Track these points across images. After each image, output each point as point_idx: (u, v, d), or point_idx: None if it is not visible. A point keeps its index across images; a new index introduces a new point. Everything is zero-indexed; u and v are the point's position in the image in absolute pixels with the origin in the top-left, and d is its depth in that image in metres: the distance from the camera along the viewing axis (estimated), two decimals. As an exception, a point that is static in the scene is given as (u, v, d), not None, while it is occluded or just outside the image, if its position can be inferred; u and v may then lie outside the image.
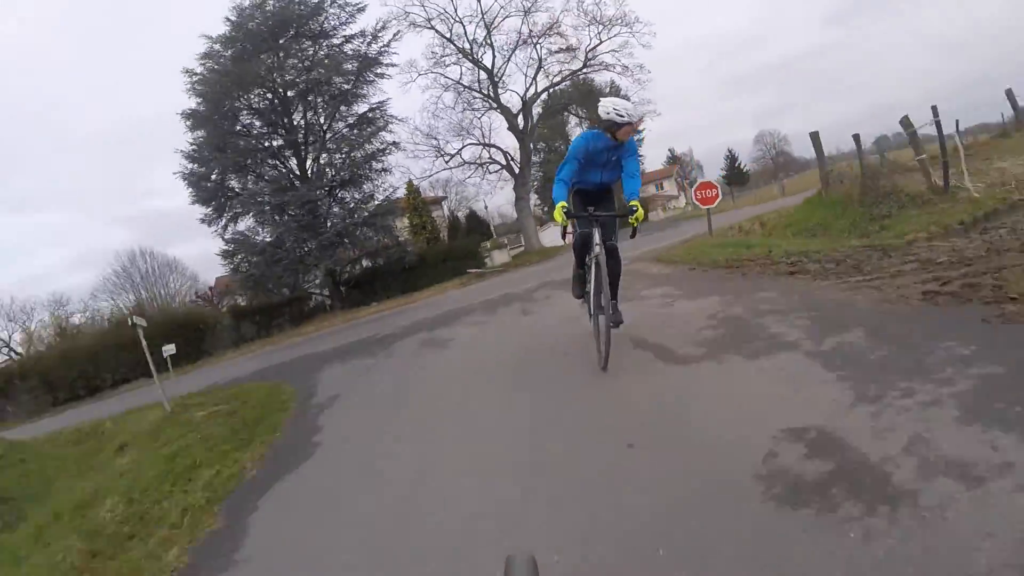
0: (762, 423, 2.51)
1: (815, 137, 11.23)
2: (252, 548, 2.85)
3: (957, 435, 2.02)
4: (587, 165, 4.49)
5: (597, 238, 4.23)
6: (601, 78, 32.10)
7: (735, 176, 78.73)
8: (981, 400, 2.19)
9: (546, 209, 40.34)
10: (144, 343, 8.96)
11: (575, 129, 41.88)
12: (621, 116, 4.17)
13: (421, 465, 3.27)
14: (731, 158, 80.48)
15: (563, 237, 5.00)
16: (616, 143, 4.32)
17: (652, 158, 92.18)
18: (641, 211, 4.23)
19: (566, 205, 4.21)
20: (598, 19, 28.28)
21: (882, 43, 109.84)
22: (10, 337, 37.31)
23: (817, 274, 4.81)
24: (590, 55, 29.14)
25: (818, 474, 2.05)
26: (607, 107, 4.25)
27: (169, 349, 9.00)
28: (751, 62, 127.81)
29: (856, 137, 9.98)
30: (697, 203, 11.99)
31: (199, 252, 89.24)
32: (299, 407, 5.62)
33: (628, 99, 4.08)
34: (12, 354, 35.55)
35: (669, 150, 77.69)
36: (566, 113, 37.56)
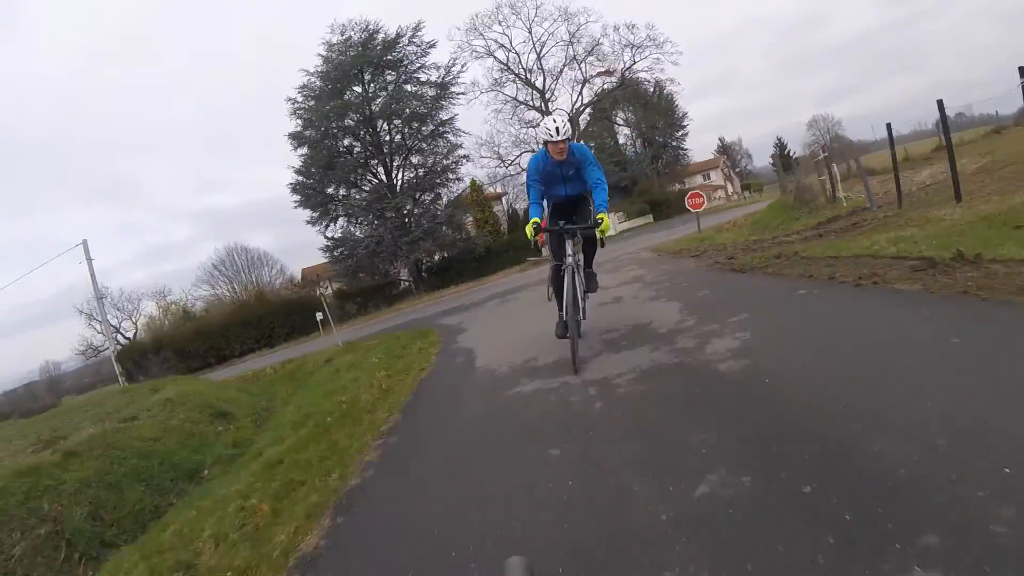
0: (611, 287, 7.54)
1: (776, 157, 15.55)
2: (461, 341, 8.06)
3: (643, 292, 7.04)
4: (549, 182, 4.82)
5: (569, 249, 4.63)
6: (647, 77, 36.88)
7: (783, 164, 79.63)
8: (666, 288, 7.08)
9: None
10: (326, 306, 14.50)
11: (623, 128, 46.14)
12: (548, 136, 4.52)
13: (507, 331, 8.31)
14: (780, 145, 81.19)
15: (537, 249, 5.55)
16: (561, 158, 4.60)
17: (701, 146, 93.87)
18: (606, 223, 4.54)
19: (537, 221, 4.59)
20: (631, 43, 32.89)
21: (945, 20, 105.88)
22: (119, 324, 44.70)
23: (700, 256, 9.55)
24: (627, 73, 33.75)
25: (602, 298, 7.10)
26: (541, 128, 4.65)
27: (319, 315, 14.40)
28: (809, 42, 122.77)
29: (798, 159, 14.21)
30: (689, 207, 16.52)
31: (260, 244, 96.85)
32: (441, 332, 10.76)
33: (564, 114, 4.30)
34: (120, 338, 42.91)
35: (719, 139, 79.06)
36: (613, 114, 42.07)
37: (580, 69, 35.05)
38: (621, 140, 45.42)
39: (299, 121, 28.57)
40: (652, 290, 7.24)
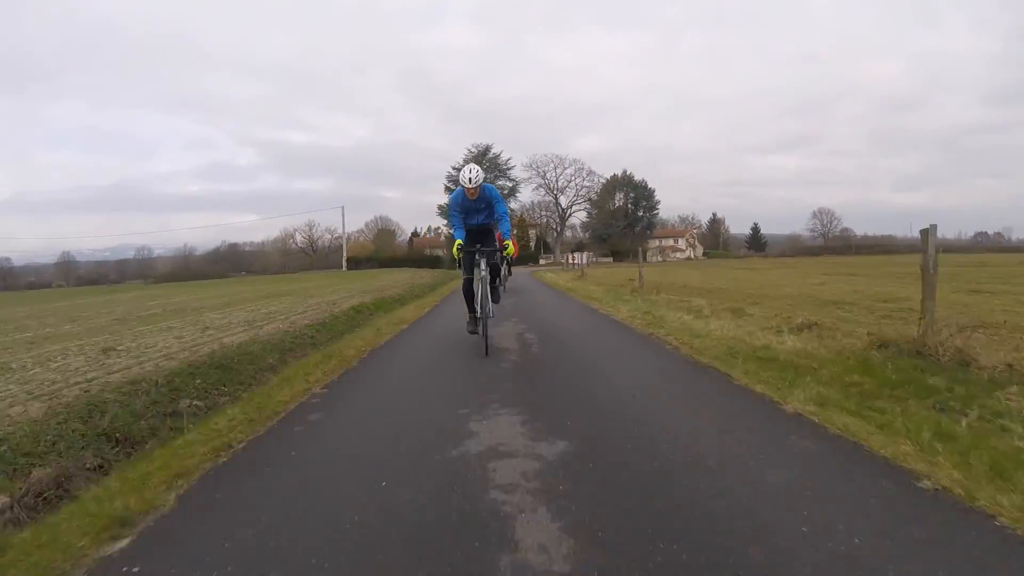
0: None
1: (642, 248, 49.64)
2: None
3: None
4: (466, 214, 6.01)
5: (483, 265, 5.78)
6: (641, 173, 79.15)
7: (754, 242, 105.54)
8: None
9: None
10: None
11: (619, 201, 79.17)
12: (465, 182, 5.76)
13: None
14: (755, 229, 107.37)
15: (458, 265, 6.23)
16: (474, 197, 5.81)
17: (769, 199, 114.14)
18: (510, 247, 5.74)
19: (461, 243, 5.79)
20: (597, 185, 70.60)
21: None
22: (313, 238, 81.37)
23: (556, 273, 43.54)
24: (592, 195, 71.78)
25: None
26: (462, 175, 5.88)
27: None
28: (903, 122, 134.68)
29: (641, 251, 47.54)
30: (571, 262, 50.16)
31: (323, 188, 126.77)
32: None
33: (481, 168, 5.83)
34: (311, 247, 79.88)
35: (713, 214, 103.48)
36: (617, 192, 76.24)
37: (575, 188, 74.94)
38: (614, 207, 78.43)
39: (447, 184, 64.40)
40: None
